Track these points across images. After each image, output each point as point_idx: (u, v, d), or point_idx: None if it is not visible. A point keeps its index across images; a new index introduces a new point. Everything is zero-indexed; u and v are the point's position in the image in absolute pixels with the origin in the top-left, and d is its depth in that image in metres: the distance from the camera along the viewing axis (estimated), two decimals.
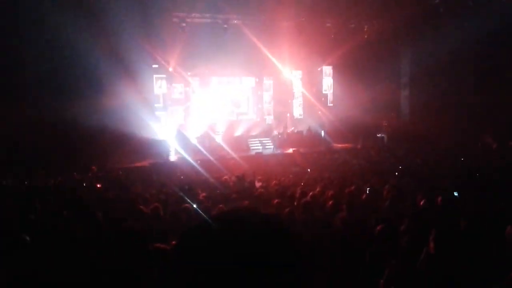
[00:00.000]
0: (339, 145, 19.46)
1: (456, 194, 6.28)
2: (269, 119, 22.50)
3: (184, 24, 18.43)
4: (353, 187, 7.32)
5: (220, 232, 0.92)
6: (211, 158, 16.16)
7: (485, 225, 4.18)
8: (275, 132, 21.03)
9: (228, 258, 0.87)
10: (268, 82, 22.39)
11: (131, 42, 16.40)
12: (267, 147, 19.83)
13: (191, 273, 0.89)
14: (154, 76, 19.38)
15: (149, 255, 3.21)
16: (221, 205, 6.28)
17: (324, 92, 22.99)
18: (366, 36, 21.06)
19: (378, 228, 4.19)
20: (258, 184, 10.13)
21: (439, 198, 5.61)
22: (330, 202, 6.11)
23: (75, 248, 3.87)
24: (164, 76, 19.61)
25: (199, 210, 6.20)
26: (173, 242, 3.95)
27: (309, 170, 12.79)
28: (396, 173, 10.47)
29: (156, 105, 19.50)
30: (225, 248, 0.89)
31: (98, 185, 10.64)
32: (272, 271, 0.89)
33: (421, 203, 5.58)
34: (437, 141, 17.13)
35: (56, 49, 14.80)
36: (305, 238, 3.84)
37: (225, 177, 11.35)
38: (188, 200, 6.93)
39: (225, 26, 18.99)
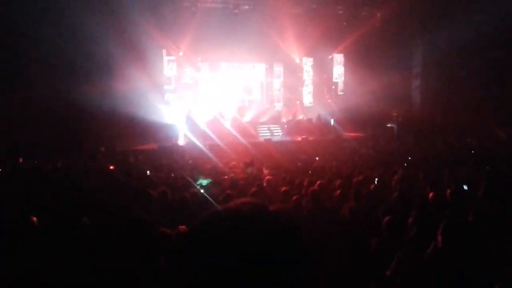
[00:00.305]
0: (349, 134, 19.35)
1: (465, 187, 6.22)
2: (279, 106, 22.40)
3: (194, 9, 18.32)
4: (361, 177, 7.29)
5: (228, 229, 0.91)
6: (220, 143, 16.17)
7: (493, 219, 4.14)
8: (284, 119, 20.97)
9: (235, 255, 0.87)
10: (278, 68, 22.23)
11: (141, 25, 16.36)
12: (275, 134, 19.80)
13: (198, 269, 0.88)
14: (165, 58, 19.34)
15: (156, 242, 3.23)
16: (228, 191, 6.30)
17: (334, 80, 22.80)
18: (378, 24, 20.79)
19: (386, 219, 4.18)
20: (266, 171, 10.13)
21: (448, 191, 5.56)
22: (338, 191, 6.10)
23: (82, 235, 3.90)
24: (174, 58, 19.58)
25: (207, 195, 6.22)
26: (181, 227, 3.98)
27: (317, 158, 12.75)
28: (405, 164, 10.41)
29: (166, 87, 19.51)
30: (232, 245, 0.88)
31: (111, 167, 10.70)
32: (278, 268, 0.88)
33: (430, 195, 5.54)
34: (447, 132, 16.97)
35: (66, 32, 14.79)
36: (313, 230, 3.83)
37: (233, 162, 11.37)
38: (196, 185, 6.96)
39: (236, 11, 18.87)
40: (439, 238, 3.37)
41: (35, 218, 4.19)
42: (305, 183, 6.84)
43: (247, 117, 20.92)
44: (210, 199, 5.85)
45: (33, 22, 14.16)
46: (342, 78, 22.78)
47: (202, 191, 6.60)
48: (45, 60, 14.86)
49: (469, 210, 4.37)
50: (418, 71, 21.19)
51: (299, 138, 18.17)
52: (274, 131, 20.03)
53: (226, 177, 8.92)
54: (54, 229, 4.06)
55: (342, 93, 22.62)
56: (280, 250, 0.90)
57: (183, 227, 3.93)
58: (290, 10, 19.59)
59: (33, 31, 14.30)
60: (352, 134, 19.41)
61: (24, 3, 13.93)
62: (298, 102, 22.54)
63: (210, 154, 13.67)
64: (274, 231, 0.93)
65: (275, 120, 21.07)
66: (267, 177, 8.02)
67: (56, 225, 4.15)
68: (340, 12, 20.49)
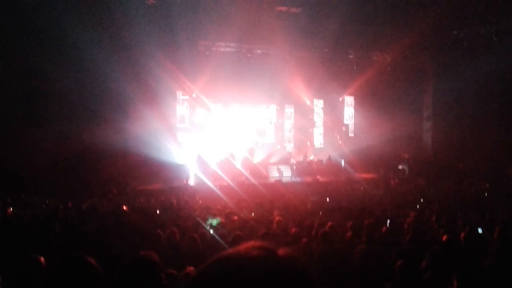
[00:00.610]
0: (359, 175, 19.21)
1: (480, 230, 6.08)
2: (290, 147, 22.48)
3: (208, 52, 18.83)
4: (372, 219, 7.17)
5: (235, 275, 0.90)
6: (231, 183, 16.16)
7: (509, 263, 4.02)
8: (293, 160, 20.97)
9: None
10: (289, 110, 22.49)
11: (156, 66, 16.83)
12: (286, 175, 19.75)
13: None
14: (179, 99, 19.77)
15: (163, 283, 3.18)
16: (238, 232, 6.23)
17: (345, 122, 22.94)
18: (388, 68, 21.09)
19: (399, 263, 4.08)
20: (276, 212, 10.03)
21: (462, 234, 5.44)
22: (349, 234, 6.00)
23: (90, 276, 3.86)
24: (187, 99, 20.00)
25: (216, 236, 6.16)
26: (189, 268, 3.92)
27: (328, 199, 12.63)
28: (418, 206, 10.24)
29: (178, 125, 19.82)
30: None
31: (124, 207, 10.70)
32: None
33: (444, 238, 5.42)
34: (459, 175, 16.77)
35: (81, 72, 15.19)
36: (323, 273, 3.76)
37: (243, 203, 11.31)
38: (205, 225, 6.91)
39: (249, 55, 19.33)
40: (455, 283, 3.27)
41: (42, 258, 4.17)
42: (315, 224, 6.75)
43: (258, 158, 20.97)
44: (219, 240, 5.78)
45: (50, 62, 14.58)
46: (353, 120, 22.92)
47: (211, 231, 6.55)
48: (61, 100, 15.21)
49: (484, 254, 4.25)
50: (429, 113, 21.24)
51: (310, 179, 18.08)
52: (285, 172, 19.99)
53: (236, 217, 8.84)
54: (61, 270, 4.03)
55: (352, 134, 22.69)
56: None
57: (191, 268, 3.88)
58: (302, 54, 20.03)
59: (49, 71, 14.69)
60: (363, 176, 19.27)
61: (41, 43, 14.38)
62: (308, 143, 22.61)
63: (220, 194, 13.63)
64: (282, 278, 0.92)
65: (286, 161, 21.08)
66: (277, 218, 7.93)
67: (63, 266, 4.12)
68: (351, 56, 20.88)
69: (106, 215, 9.14)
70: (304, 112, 22.77)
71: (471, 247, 4.88)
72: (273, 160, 21.25)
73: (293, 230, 6.36)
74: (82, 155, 15.20)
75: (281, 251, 0.98)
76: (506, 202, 10.46)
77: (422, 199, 11.70)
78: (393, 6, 15.61)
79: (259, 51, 19.65)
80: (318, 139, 22.98)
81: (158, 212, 9.85)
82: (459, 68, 17.38)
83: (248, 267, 0.92)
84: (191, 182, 17.59)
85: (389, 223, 7.08)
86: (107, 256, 4.60)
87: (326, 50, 19.83)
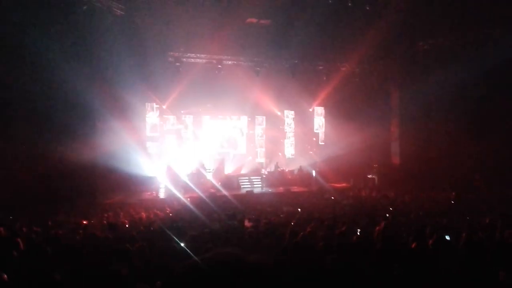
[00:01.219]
0: (330, 185, 19.42)
1: (448, 238, 6.22)
2: (261, 158, 22.52)
3: (178, 64, 18.74)
4: (344, 228, 7.23)
5: (206, 278, 0.90)
6: (202, 195, 16.01)
7: (478, 270, 4.11)
8: (264, 171, 21.02)
9: None
10: (260, 121, 22.58)
11: (126, 79, 16.57)
12: (257, 185, 19.75)
13: None
14: (149, 111, 19.57)
15: None
16: (210, 244, 6.15)
17: (315, 131, 23.19)
18: (357, 79, 21.52)
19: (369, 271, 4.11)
20: (248, 224, 9.98)
21: (430, 241, 5.55)
22: (321, 243, 6.01)
23: None
24: (157, 111, 19.82)
25: (187, 250, 6.06)
26: (158, 283, 3.84)
27: (299, 209, 12.68)
28: (387, 215, 10.40)
29: (149, 136, 19.59)
30: None
31: (84, 222, 10.44)
32: None
33: (412, 245, 5.51)
34: (427, 183, 17.16)
35: (49, 85, 14.76)
36: (295, 283, 3.75)
37: (215, 215, 11.20)
38: (176, 239, 6.80)
39: (219, 66, 19.34)
40: None
41: (5, 276, 4.00)
42: (287, 234, 6.74)
43: (229, 169, 20.92)
44: (190, 253, 5.69)
45: (14, 74, 14.13)
46: (323, 130, 23.21)
47: (182, 244, 6.44)
48: (29, 114, 14.74)
49: (453, 261, 4.34)
50: (397, 122, 21.71)
51: (281, 190, 18.14)
52: (256, 183, 19.99)
53: (207, 230, 8.74)
54: (26, 286, 3.88)
55: (323, 143, 22.96)
56: None
57: (160, 283, 3.80)
58: (272, 65, 20.20)
59: (16, 85, 14.22)
60: (334, 185, 19.49)
61: (6, 55, 13.94)
62: (280, 154, 22.72)
63: (191, 207, 13.46)
64: (250, 282, 0.91)
65: (257, 172, 21.12)
66: (249, 230, 7.89)
67: (28, 282, 3.96)
68: (321, 67, 21.22)
69: (73, 231, 8.88)
70: (275, 123, 22.92)
71: (439, 254, 4.97)
72: (244, 171, 21.23)
73: (265, 241, 6.33)
74: (48, 171, 14.72)
75: (250, 258, 0.99)
76: (471, 210, 10.77)
77: (391, 208, 11.90)
78: (361, 18, 15.98)
79: (230, 63, 19.71)
80: (289, 150, 23.14)
81: (127, 225, 9.65)
82: (425, 78, 17.85)
83: (217, 270, 0.96)
84: (161, 194, 17.35)
85: (359, 232, 7.16)
86: (76, 272, 4.46)
87: (296, 61, 20.08)
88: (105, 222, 10.34)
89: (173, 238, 6.86)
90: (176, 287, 0.95)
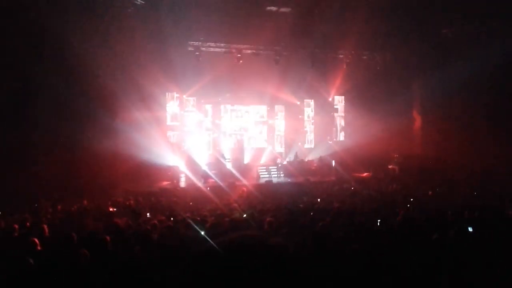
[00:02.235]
0: (350, 175, 19.30)
1: (470, 229, 6.13)
2: (280, 148, 22.49)
3: (198, 53, 18.78)
4: (363, 218, 7.20)
5: (226, 259, 0.91)
6: (221, 184, 16.13)
7: (499, 263, 4.06)
8: (282, 161, 20.99)
9: (235, 281, 0.86)
10: (279, 110, 22.51)
11: (146, 68, 16.72)
12: (277, 175, 19.76)
13: None
14: (169, 100, 19.73)
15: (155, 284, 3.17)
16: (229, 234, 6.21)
17: (335, 122, 23.02)
18: (378, 67, 21.20)
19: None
20: (267, 213, 10.02)
21: (452, 232, 5.47)
22: (340, 233, 6.01)
23: (82, 277, 3.83)
24: (177, 100, 19.96)
25: (207, 238, 6.13)
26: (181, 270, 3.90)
27: (319, 200, 12.66)
28: (408, 205, 10.30)
29: (170, 123, 19.79)
30: (230, 276, 0.87)
31: (111, 209, 10.63)
32: None
33: (433, 237, 5.45)
34: (449, 174, 16.89)
35: (72, 74, 14.98)
36: (316, 272, 3.76)
37: (234, 204, 11.27)
38: (196, 227, 6.88)
39: (239, 55, 19.30)
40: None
41: (31, 260, 4.12)
42: (307, 224, 6.76)
43: (249, 159, 20.96)
44: (210, 241, 5.75)
45: (37, 63, 14.35)
46: (343, 120, 23.00)
47: (202, 233, 6.52)
48: (52, 102, 15.00)
49: (474, 253, 4.28)
50: (418, 112, 21.37)
51: (301, 180, 18.11)
52: (275, 172, 20.00)
53: (227, 219, 8.81)
54: (54, 267, 3.99)
55: (343, 132, 22.78)
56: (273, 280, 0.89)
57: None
58: (292, 54, 20.06)
59: (36, 72, 14.43)
60: (354, 175, 19.35)
61: (29, 44, 14.14)
62: (299, 143, 22.64)
63: (211, 196, 13.58)
64: (270, 264, 0.92)
65: (277, 161, 21.11)
66: (268, 219, 7.93)
67: (55, 264, 4.08)
68: (341, 56, 20.98)
69: (97, 217, 9.07)
70: (294, 112, 22.82)
71: (461, 246, 4.91)
72: (263, 160, 21.25)
73: (285, 230, 6.35)
74: (69, 157, 15.00)
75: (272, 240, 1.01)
76: (494, 200, 10.57)
77: (412, 199, 11.77)
78: (382, 6, 15.70)
79: (249, 51, 19.65)
80: (309, 139, 23.03)
81: (148, 215, 9.80)
82: (447, 67, 17.47)
83: (240, 252, 0.98)
84: (181, 183, 17.53)
85: (379, 223, 7.12)
86: (102, 255, 4.58)
87: (316, 50, 19.88)
88: (127, 209, 10.53)
89: (194, 227, 6.95)
90: (195, 271, 0.96)
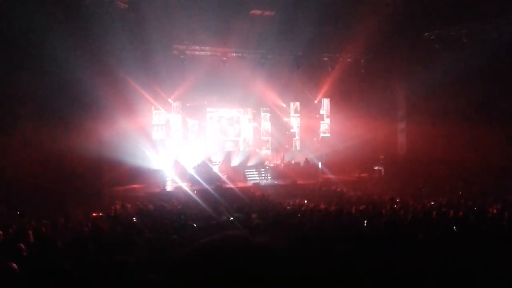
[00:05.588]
0: (337, 177, 19.39)
1: (455, 228, 6.21)
2: (267, 150, 22.51)
3: (183, 57, 18.72)
4: (350, 219, 7.25)
5: (211, 260, 0.91)
6: (208, 187, 16.05)
7: (484, 263, 4.11)
8: (269, 163, 21.01)
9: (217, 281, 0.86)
10: (265, 113, 22.54)
11: (131, 73, 16.59)
12: (263, 177, 19.76)
13: None
14: (153, 108, 19.58)
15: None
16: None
17: (321, 123, 23.13)
18: (362, 70, 21.39)
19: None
20: (254, 215, 10.00)
21: (437, 232, 5.54)
22: (327, 234, 6.02)
23: (67, 282, 3.77)
24: (163, 104, 19.82)
25: (193, 240, 6.09)
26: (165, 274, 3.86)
27: (306, 201, 12.70)
28: (394, 206, 10.40)
29: (155, 132, 19.62)
30: (214, 273, 0.87)
31: (94, 214, 10.51)
32: None
33: (419, 236, 5.51)
34: (433, 175, 17.09)
35: (54, 78, 14.78)
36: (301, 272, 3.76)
37: (221, 207, 11.23)
38: (184, 230, 6.84)
39: (224, 58, 19.29)
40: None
41: (15, 265, 4.05)
42: (294, 226, 6.76)
43: (235, 162, 20.94)
44: (194, 243, 5.72)
45: (21, 68, 14.12)
46: (329, 122, 23.12)
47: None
48: (34, 107, 14.79)
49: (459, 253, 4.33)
50: (403, 114, 21.61)
51: (288, 182, 18.15)
52: (262, 175, 20.00)
53: (214, 222, 8.78)
54: (37, 276, 3.92)
55: (329, 135, 22.89)
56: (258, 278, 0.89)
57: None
58: (277, 57, 20.12)
59: (20, 77, 14.19)
60: (340, 177, 19.45)
61: (12, 49, 13.91)
62: (286, 146, 22.70)
63: (198, 199, 13.52)
64: (258, 263, 0.92)
65: (263, 164, 21.12)
66: (256, 221, 7.92)
67: (38, 272, 4.01)
68: (326, 59, 21.11)
69: (81, 223, 8.95)
70: (280, 115, 22.87)
71: (445, 246, 4.96)
72: (250, 163, 21.24)
73: (272, 232, 6.35)
74: (57, 162, 14.80)
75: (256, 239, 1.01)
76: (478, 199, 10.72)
77: (398, 200, 11.89)
78: (366, 9, 15.86)
79: (234, 55, 19.65)
80: (295, 142, 23.10)
81: (134, 219, 9.70)
82: (430, 69, 17.70)
83: (223, 250, 0.98)
84: (168, 187, 17.41)
85: (366, 224, 7.17)
86: (84, 264, 4.51)
87: (301, 53, 19.98)
88: (112, 214, 10.41)
89: (181, 230, 6.90)
90: (181, 270, 0.95)
